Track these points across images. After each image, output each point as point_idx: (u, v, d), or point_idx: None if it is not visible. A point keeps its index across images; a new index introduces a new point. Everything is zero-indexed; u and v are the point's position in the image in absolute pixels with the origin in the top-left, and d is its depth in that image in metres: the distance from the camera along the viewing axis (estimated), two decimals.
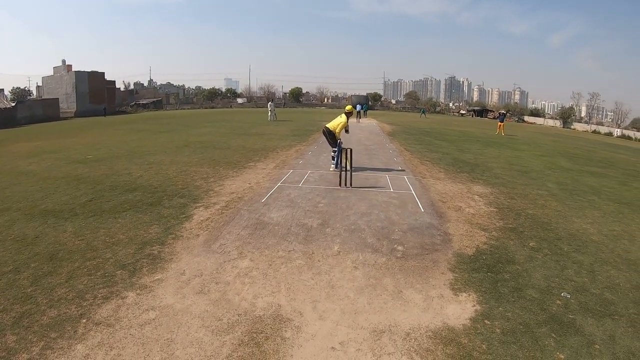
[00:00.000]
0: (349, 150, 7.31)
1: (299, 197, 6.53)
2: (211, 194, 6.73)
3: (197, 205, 6.01)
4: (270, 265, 3.83)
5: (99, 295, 3.28)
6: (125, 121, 30.06)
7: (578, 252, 4.81)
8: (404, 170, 9.56)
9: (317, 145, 13.97)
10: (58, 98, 43.54)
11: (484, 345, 2.84)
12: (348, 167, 7.25)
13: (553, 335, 3.01)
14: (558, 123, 58.15)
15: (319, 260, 3.99)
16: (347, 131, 9.88)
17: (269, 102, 29.09)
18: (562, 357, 2.77)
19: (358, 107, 34.76)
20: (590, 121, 64.98)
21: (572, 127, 55.04)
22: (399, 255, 4.28)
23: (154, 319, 2.96)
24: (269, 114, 26.61)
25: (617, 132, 47.69)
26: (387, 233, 4.91)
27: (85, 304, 3.16)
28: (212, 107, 64.05)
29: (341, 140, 9.25)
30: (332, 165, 9.25)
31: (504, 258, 4.46)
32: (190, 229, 4.93)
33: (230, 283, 3.46)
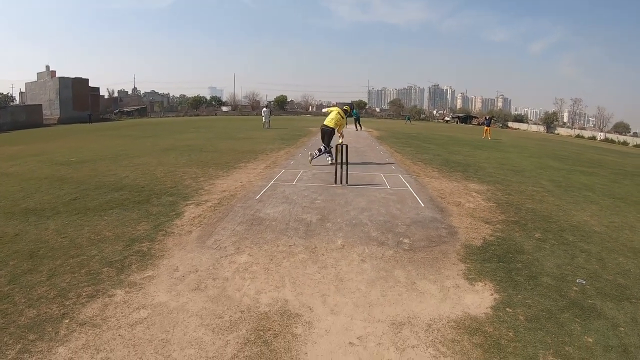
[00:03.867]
0: (344, 147, 7.15)
1: (294, 194, 6.37)
2: (202, 192, 6.51)
3: (188, 202, 5.79)
4: (272, 259, 3.61)
5: (84, 294, 2.99)
6: (110, 128, 30.01)
7: (584, 242, 4.82)
8: (393, 164, 9.54)
9: (306, 147, 13.89)
10: (41, 104, 42.96)
11: (510, 333, 2.70)
12: (344, 167, 7.12)
13: (577, 320, 2.93)
14: (542, 128, 59.89)
15: (323, 254, 3.79)
16: (342, 135, 10.03)
17: (264, 109, 28.20)
18: (591, 340, 2.69)
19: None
20: (573, 126, 67.01)
21: (555, 132, 56.67)
22: (406, 247, 4.12)
23: (145, 318, 2.70)
24: (264, 120, 26.14)
25: (600, 135, 49.29)
26: (390, 227, 4.76)
27: (67, 303, 2.87)
28: (197, 115, 64.64)
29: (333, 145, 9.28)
30: (310, 156, 9.67)
31: (513, 248, 4.39)
32: (182, 225, 4.67)
33: (229, 279, 3.22)
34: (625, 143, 43.99)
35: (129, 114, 57.88)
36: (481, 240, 4.58)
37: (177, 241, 4.09)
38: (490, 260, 3.98)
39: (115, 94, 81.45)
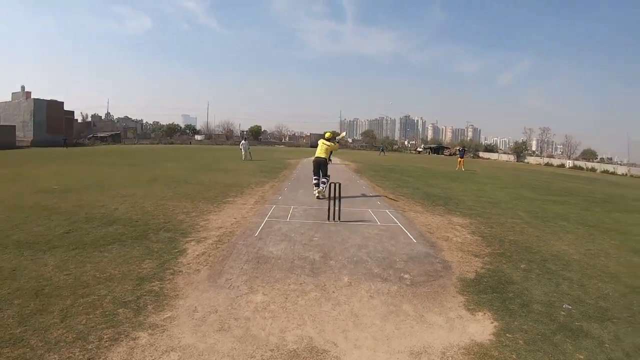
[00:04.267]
0: (337, 185, 7.64)
1: (291, 231, 6.72)
2: (198, 228, 6.75)
3: (188, 239, 6.00)
4: (287, 298, 3.92)
5: (105, 337, 3.16)
6: (85, 153, 29.97)
7: (565, 270, 5.51)
8: (378, 197, 10.10)
9: (290, 181, 14.44)
10: (15, 125, 42.03)
11: (513, 355, 3.14)
12: (337, 204, 7.57)
13: (568, 340, 3.46)
14: (512, 157, 63.36)
15: (333, 292, 4.14)
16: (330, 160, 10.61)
17: (242, 141, 28.47)
18: (582, 357, 3.20)
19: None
20: (542, 154, 71.14)
21: (525, 160, 60.01)
22: (407, 282, 4.55)
23: None
24: (243, 152, 26.55)
25: (569, 163, 52.59)
26: (389, 263, 5.20)
27: (90, 347, 3.02)
28: (171, 143, 65.92)
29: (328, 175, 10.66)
30: (316, 191, 10.48)
31: (503, 279, 4.94)
32: (188, 263, 4.89)
33: (250, 319, 3.50)
34: (593, 169, 47.27)
35: (103, 139, 58.41)
36: (474, 273, 5.10)
37: (187, 280, 4.31)
38: (485, 292, 4.48)
39: (89, 119, 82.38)
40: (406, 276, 4.74)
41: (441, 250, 6.04)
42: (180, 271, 4.60)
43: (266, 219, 7.62)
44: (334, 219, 7.58)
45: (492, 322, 3.71)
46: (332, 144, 10.96)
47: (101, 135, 61.72)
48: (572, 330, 3.63)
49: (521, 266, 5.56)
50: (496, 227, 8.21)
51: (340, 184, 7.80)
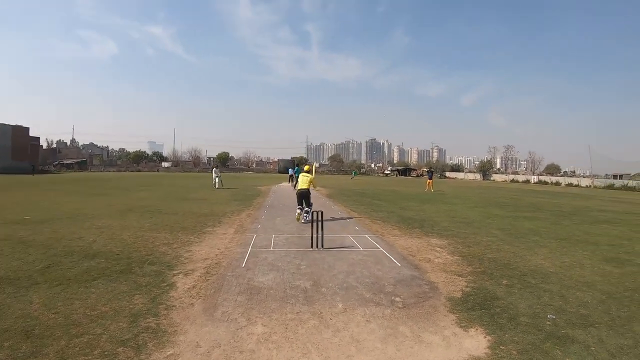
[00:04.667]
0: (320, 213, 7.90)
1: (277, 260, 6.90)
2: (183, 260, 6.82)
3: (175, 272, 6.06)
4: (287, 328, 4.07)
5: None
6: (52, 181, 29.57)
7: (545, 283, 6.03)
8: (355, 223, 10.46)
9: (265, 209, 14.65)
10: None
11: None
12: (319, 229, 7.84)
13: (557, 347, 3.86)
14: (478, 176, 66.27)
15: (330, 318, 4.35)
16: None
17: (214, 169, 28.45)
18: None
19: (290, 171, 36.16)
20: (507, 171, 74.77)
21: (491, 178, 62.84)
22: (400, 305, 4.83)
23: None
24: (215, 180, 26.21)
25: (533, 178, 55.52)
26: (379, 287, 5.48)
27: None
28: (139, 171, 65.72)
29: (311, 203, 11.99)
30: (303, 219, 11.57)
31: (489, 296, 5.34)
32: (180, 297, 4.92)
33: (255, 351, 3.63)
34: (557, 183, 50.27)
35: (69, 166, 58.67)
36: (460, 292, 5.46)
37: (183, 315, 4.36)
38: (473, 309, 4.84)
39: (54, 145, 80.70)
40: (397, 299, 5.03)
41: (426, 272, 6.40)
42: (173, 306, 4.64)
43: (250, 248, 7.76)
44: (317, 246, 7.83)
45: (485, 337, 4.04)
46: (312, 176, 12.28)
47: (67, 162, 61.68)
48: (559, 338, 4.04)
49: (503, 282, 6.00)
50: (473, 246, 8.71)
51: (322, 212, 8.08)
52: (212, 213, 13.20)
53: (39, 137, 54.18)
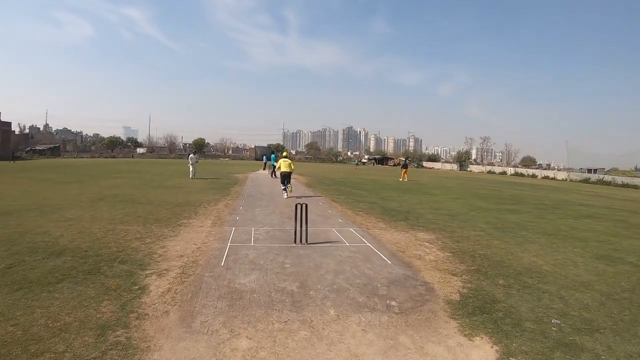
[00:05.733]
0: (304, 206, 7.47)
1: (259, 257, 6.46)
2: (156, 257, 6.28)
3: (147, 272, 5.51)
4: (275, 341, 3.63)
5: None
6: (24, 168, 27.74)
7: (542, 283, 5.85)
8: (338, 215, 10.10)
9: (243, 199, 14.08)
10: None
11: None
12: (303, 223, 7.43)
13: (567, 356, 3.66)
14: (455, 166, 67.04)
15: (323, 328, 3.94)
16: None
17: (190, 155, 24.25)
18: None
19: (265, 158, 35.43)
20: (483, 162, 76.04)
21: (468, 169, 63.77)
22: (396, 310, 4.48)
23: None
24: (191, 169, 22.83)
25: (510, 170, 56.60)
26: (372, 289, 5.12)
27: None
28: (113, 157, 64.46)
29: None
30: (285, 194, 15.11)
31: (488, 298, 5.10)
32: (153, 304, 4.39)
33: None
34: (534, 176, 51.36)
35: (41, 152, 56.82)
36: (458, 294, 5.18)
37: (157, 326, 3.84)
38: (474, 314, 4.56)
39: (27, 130, 77.11)
40: (393, 303, 4.68)
41: (419, 271, 6.09)
42: (146, 314, 4.11)
43: (229, 244, 7.28)
44: (300, 241, 7.40)
45: (492, 347, 3.76)
46: (290, 161, 15.83)
47: (40, 148, 59.54)
48: (567, 346, 3.84)
49: (499, 282, 5.78)
50: (462, 241, 8.51)
51: (307, 205, 7.65)
52: (188, 203, 12.57)
53: (10, 123, 51.79)
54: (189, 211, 10.93)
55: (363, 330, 3.97)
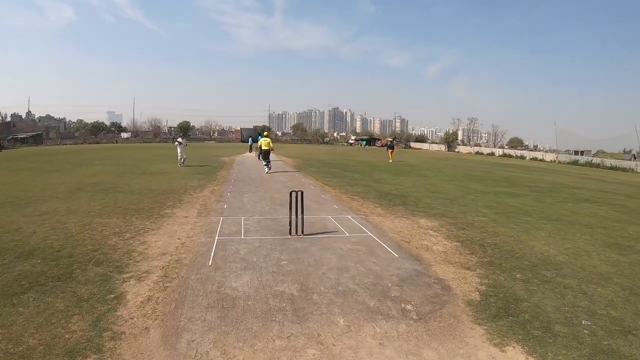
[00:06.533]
0: (299, 194, 6.83)
1: (252, 253, 5.80)
2: (136, 256, 5.59)
3: (125, 276, 4.83)
4: None
5: None
6: (5, 158, 26.16)
7: (560, 276, 5.41)
8: (332, 201, 9.52)
9: (231, 184, 13.40)
10: None
11: None
12: (299, 212, 6.78)
13: None
14: (443, 147, 66.79)
15: (333, 345, 3.34)
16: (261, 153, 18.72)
17: (178, 139, 21.20)
18: None
19: (250, 140, 34.48)
20: (470, 143, 76.06)
21: (456, 150, 63.62)
22: (414, 316, 3.93)
23: None
24: (179, 155, 19.99)
25: (498, 151, 56.60)
26: (382, 290, 4.54)
27: None
28: (97, 142, 62.70)
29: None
30: (266, 169, 17.23)
31: (509, 296, 4.62)
32: (131, 318, 3.72)
33: None
34: (522, 157, 51.40)
35: (23, 141, 54.93)
36: (477, 293, 4.68)
37: (135, 348, 3.17)
38: (499, 316, 4.06)
39: (8, 119, 74.39)
40: (409, 307, 4.12)
41: (430, 265, 5.56)
42: (122, 333, 3.43)
43: (217, 237, 6.62)
44: (296, 232, 6.77)
45: (527, 358, 3.31)
46: (270, 139, 18.36)
47: (21, 136, 57.51)
48: (604, 352, 3.45)
49: (517, 276, 5.32)
50: (467, 228, 8.03)
51: (302, 192, 6.98)
52: (172, 190, 11.81)
53: None
54: (173, 199, 10.22)
55: (380, 344, 3.39)
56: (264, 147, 17.65)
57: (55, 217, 7.89)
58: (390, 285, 4.70)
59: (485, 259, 6.01)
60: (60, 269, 4.98)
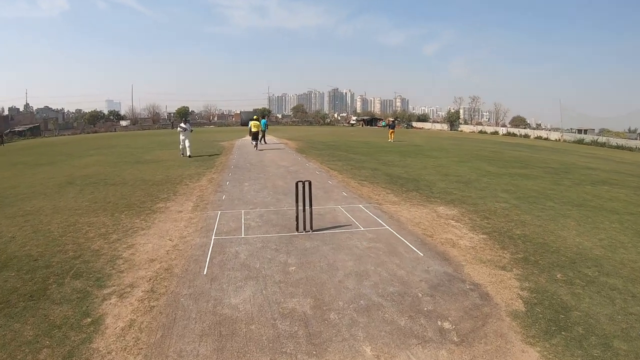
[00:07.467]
0: (307, 184, 6.04)
1: (254, 257, 5.04)
2: (120, 264, 4.90)
3: (106, 292, 4.14)
4: None
5: None
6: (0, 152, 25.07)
7: (603, 275, 4.78)
8: (340, 186, 8.77)
9: (230, 172, 12.56)
10: None
11: None
12: (307, 207, 6.00)
13: None
14: (445, 126, 65.64)
15: None
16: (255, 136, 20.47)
17: (181, 125, 17.93)
18: None
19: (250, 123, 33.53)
20: (472, 122, 74.77)
21: (459, 129, 62.42)
22: (454, 338, 3.22)
23: None
24: (181, 143, 17.54)
25: (502, 130, 55.47)
26: (413, 303, 3.82)
27: None
28: (95, 132, 61.27)
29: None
30: (255, 148, 19.84)
31: (556, 304, 3.97)
32: (109, 352, 3.03)
33: None
34: (526, 136, 50.32)
35: (21, 134, 53.72)
36: (520, 301, 4.01)
37: None
38: (552, 333, 3.43)
39: (6, 112, 73.81)
40: (446, 325, 3.41)
41: (460, 265, 4.84)
42: None
43: (213, 237, 5.87)
44: (304, 228, 6.00)
45: None
46: (259, 122, 21.03)
47: (19, 129, 56.32)
48: None
49: (558, 276, 4.67)
50: (491, 216, 7.32)
51: (310, 182, 6.16)
52: (167, 179, 11.06)
53: None
54: (167, 191, 9.48)
55: None
56: (253, 129, 20.27)
57: (39, 217, 7.21)
58: (420, 295, 3.98)
59: (519, 255, 5.32)
60: (35, 284, 4.32)
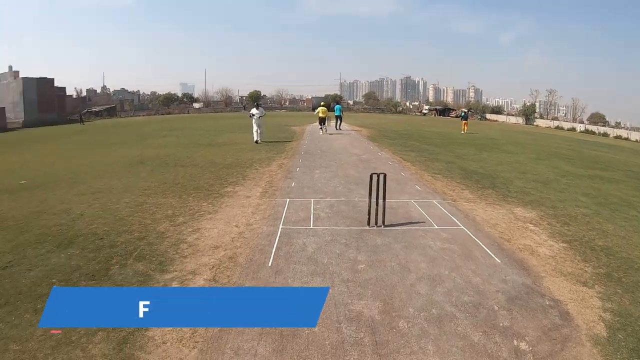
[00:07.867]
0: (382, 176, 5.73)
1: (322, 251, 4.77)
2: (184, 249, 4.79)
3: (167, 277, 4.03)
4: None
5: None
6: (76, 131, 27.21)
7: None
8: (413, 179, 8.33)
9: (300, 158, 12.24)
10: (4, 107, 39.28)
11: None
12: (380, 199, 5.70)
13: None
14: (520, 120, 60.48)
15: None
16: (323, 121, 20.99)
17: (253, 110, 16.35)
18: None
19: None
20: (547, 116, 68.32)
21: (535, 123, 57.25)
22: None
23: None
24: (254, 129, 16.00)
25: (580, 127, 50.11)
26: (488, 316, 3.49)
27: None
28: (169, 113, 62.99)
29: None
30: (321, 131, 20.50)
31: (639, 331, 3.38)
32: (164, 343, 2.96)
33: None
34: (605, 134, 44.89)
35: (97, 114, 55.58)
36: (602, 324, 3.50)
37: None
38: None
39: (84, 93, 77.55)
40: (523, 346, 3.06)
41: (539, 277, 4.35)
42: None
43: (280, 226, 5.64)
44: (375, 223, 5.72)
45: None
46: (325, 108, 21.38)
47: (96, 109, 58.06)
48: None
49: None
50: (571, 223, 6.55)
51: (385, 175, 5.75)
52: (237, 163, 10.95)
53: (65, 87, 51.61)
54: (236, 175, 9.32)
55: None
56: (320, 115, 20.79)
57: (108, 195, 7.34)
58: (497, 308, 3.61)
59: (601, 270, 4.67)
60: (98, 263, 4.32)
